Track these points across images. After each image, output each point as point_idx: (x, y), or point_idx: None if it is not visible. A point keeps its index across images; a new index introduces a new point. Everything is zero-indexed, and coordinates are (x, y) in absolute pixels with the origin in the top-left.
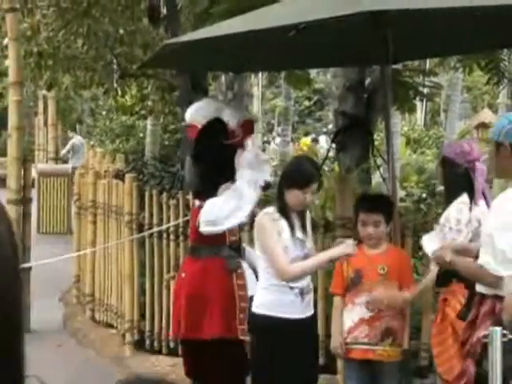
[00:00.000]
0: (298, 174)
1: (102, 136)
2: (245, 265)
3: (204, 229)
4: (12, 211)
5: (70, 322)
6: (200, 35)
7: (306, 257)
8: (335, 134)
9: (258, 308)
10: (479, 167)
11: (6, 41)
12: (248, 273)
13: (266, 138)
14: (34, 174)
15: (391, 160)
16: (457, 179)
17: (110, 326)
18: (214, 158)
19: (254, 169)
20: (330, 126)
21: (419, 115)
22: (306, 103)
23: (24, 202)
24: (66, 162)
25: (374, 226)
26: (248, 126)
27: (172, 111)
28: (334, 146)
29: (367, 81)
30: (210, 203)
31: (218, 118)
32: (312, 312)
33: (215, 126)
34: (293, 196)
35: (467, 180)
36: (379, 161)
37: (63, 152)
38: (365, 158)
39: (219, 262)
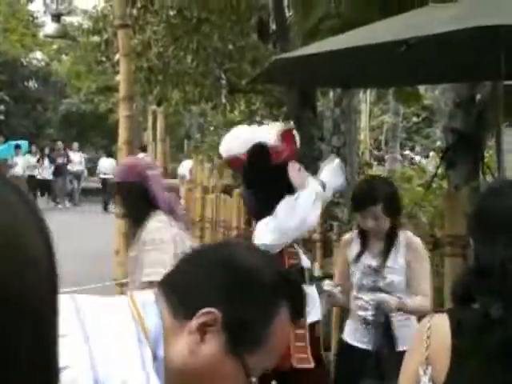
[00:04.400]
0: (352, 196)
1: (210, 151)
2: (309, 289)
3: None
4: (121, 225)
5: None
6: (310, 50)
7: (374, 287)
8: (445, 151)
9: None
10: (151, 174)
11: (117, 56)
12: (310, 298)
13: (374, 154)
14: None
15: (502, 177)
16: (133, 197)
17: None
18: (264, 182)
19: (330, 176)
20: (438, 143)
21: None
22: (414, 119)
23: None
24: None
25: None
26: (288, 136)
27: None
28: (443, 162)
29: (478, 97)
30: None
31: (257, 142)
32: None
33: (256, 150)
34: (359, 219)
35: (144, 192)
36: (489, 178)
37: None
38: (474, 175)
39: None
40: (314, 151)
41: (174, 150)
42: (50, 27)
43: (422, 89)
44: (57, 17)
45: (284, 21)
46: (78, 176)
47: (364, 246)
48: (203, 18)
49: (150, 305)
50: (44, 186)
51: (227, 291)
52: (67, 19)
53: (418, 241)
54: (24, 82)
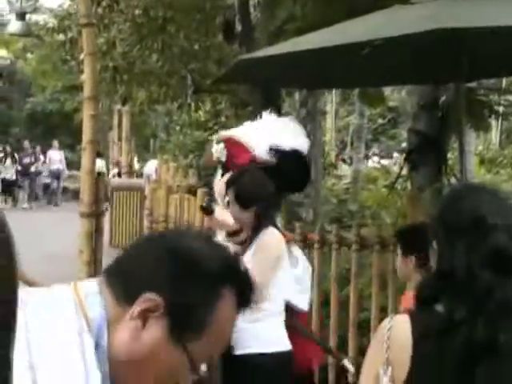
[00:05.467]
0: None
1: (175, 151)
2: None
3: None
4: (85, 225)
5: None
6: (274, 51)
7: None
8: (408, 153)
9: None
10: None
11: (82, 55)
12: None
13: (340, 156)
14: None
15: (464, 179)
16: None
17: None
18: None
19: None
20: (404, 144)
21: (494, 134)
22: (380, 121)
23: (97, 215)
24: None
25: None
26: (230, 143)
27: None
28: (406, 164)
29: (441, 99)
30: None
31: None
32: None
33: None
34: None
35: None
36: (452, 180)
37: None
38: (437, 176)
39: None
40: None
41: (141, 149)
42: (15, 25)
43: (388, 90)
44: (21, 15)
45: (249, 21)
46: (57, 175)
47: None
48: (169, 18)
49: (93, 294)
50: (6, 187)
51: (170, 277)
52: (33, 17)
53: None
54: None
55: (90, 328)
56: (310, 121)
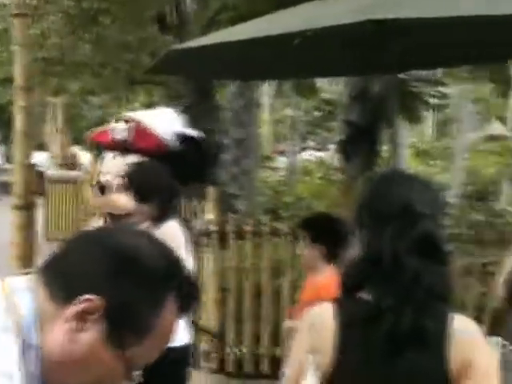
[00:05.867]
0: None
1: None
2: None
3: None
4: (17, 217)
5: None
6: (205, 41)
7: None
8: (341, 143)
9: None
10: None
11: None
12: None
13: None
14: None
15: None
16: None
17: None
18: None
19: None
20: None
21: (429, 126)
22: (317, 113)
23: (29, 208)
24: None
25: None
26: (136, 126)
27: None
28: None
29: (374, 90)
30: None
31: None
32: None
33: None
34: None
35: None
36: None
37: None
38: (370, 167)
39: None
40: (213, 144)
41: (76, 141)
42: None
43: (325, 82)
44: None
45: (184, 12)
46: None
47: None
48: (102, 9)
49: (22, 290)
50: None
51: (111, 278)
52: None
53: None
54: None
55: (18, 325)
56: (246, 113)
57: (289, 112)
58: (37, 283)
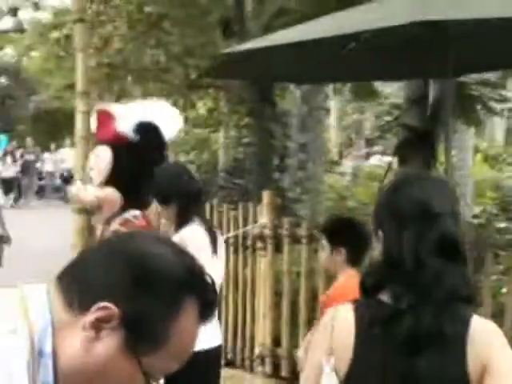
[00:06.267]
0: None
1: (176, 148)
2: None
3: None
4: (78, 220)
5: None
6: (260, 44)
7: None
8: (397, 147)
9: None
10: None
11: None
12: None
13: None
14: None
15: (450, 173)
16: None
17: None
18: None
19: None
20: None
21: (500, 132)
22: (386, 118)
23: (89, 211)
24: None
25: None
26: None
27: (248, 124)
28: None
29: (432, 93)
30: None
31: None
32: None
33: None
34: None
35: None
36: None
37: None
38: (427, 170)
39: None
40: (276, 147)
41: None
42: (7, 22)
43: (395, 87)
44: (13, 11)
45: (244, 17)
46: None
47: None
48: (163, 14)
49: (36, 296)
50: (5, 184)
51: (128, 286)
52: (32, 14)
53: None
54: None
55: (29, 330)
56: (311, 117)
57: (357, 117)
58: (53, 290)
